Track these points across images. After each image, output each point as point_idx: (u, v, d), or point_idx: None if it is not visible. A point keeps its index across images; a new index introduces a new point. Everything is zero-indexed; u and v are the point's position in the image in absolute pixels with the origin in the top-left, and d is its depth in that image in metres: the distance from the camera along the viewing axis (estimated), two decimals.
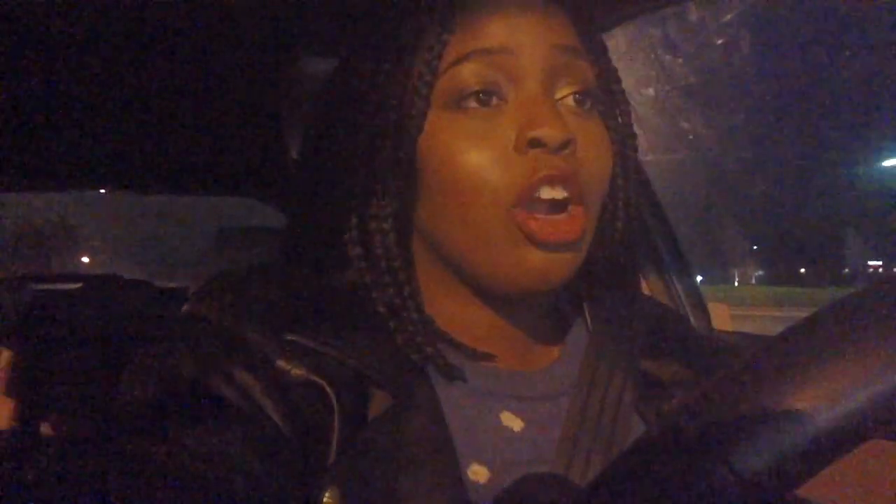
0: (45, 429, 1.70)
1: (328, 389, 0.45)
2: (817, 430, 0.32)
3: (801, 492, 0.34)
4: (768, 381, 0.32)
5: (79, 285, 2.28)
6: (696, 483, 0.31)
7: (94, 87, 1.50)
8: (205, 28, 1.27)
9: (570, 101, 0.51)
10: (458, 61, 0.49)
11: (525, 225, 0.47)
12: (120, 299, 2.07)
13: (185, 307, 0.50)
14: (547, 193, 0.47)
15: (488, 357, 0.53)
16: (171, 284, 2.56)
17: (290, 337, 0.46)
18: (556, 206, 0.48)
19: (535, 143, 0.47)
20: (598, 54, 0.54)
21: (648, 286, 1.34)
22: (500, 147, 0.48)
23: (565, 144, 0.47)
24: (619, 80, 0.56)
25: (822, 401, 0.31)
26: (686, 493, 0.31)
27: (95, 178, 2.14)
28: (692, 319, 1.35)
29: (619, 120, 0.55)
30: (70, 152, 1.83)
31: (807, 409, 0.31)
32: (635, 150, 0.56)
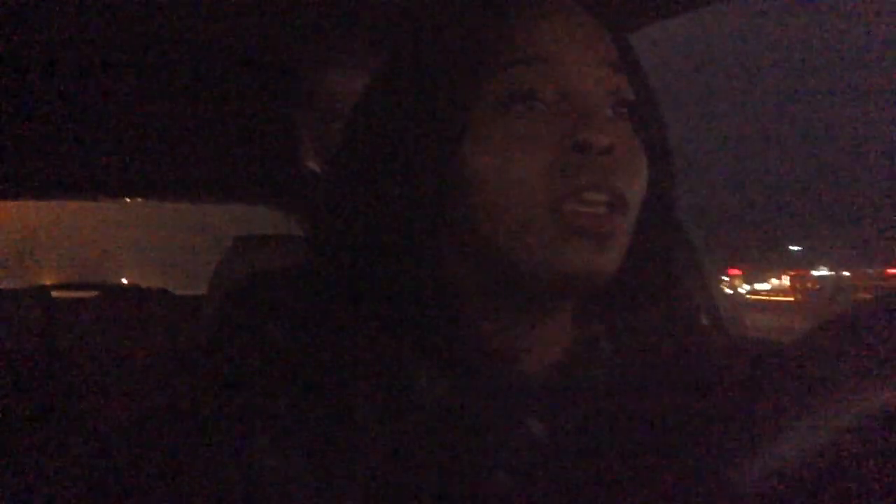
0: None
1: (357, 393, 0.46)
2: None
3: None
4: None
5: (96, 293, 2.30)
6: None
7: (111, 96, 1.52)
8: (224, 38, 1.28)
9: (608, 111, 0.52)
10: (506, 66, 0.50)
11: (570, 218, 0.48)
12: (138, 307, 2.08)
13: (216, 309, 0.50)
14: (591, 196, 0.48)
15: (515, 361, 0.53)
16: (189, 292, 2.57)
17: (315, 339, 0.47)
18: (600, 205, 0.49)
19: (580, 147, 0.48)
20: (634, 69, 0.55)
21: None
22: (545, 148, 0.49)
23: (609, 149, 0.49)
24: (654, 95, 0.56)
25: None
26: None
27: (114, 187, 2.17)
28: (710, 323, 1.34)
29: (655, 134, 0.56)
30: (88, 162, 1.85)
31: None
32: (670, 164, 0.56)
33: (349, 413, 0.46)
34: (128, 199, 2.38)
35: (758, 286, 43.10)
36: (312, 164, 1.58)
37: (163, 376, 0.47)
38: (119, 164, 1.91)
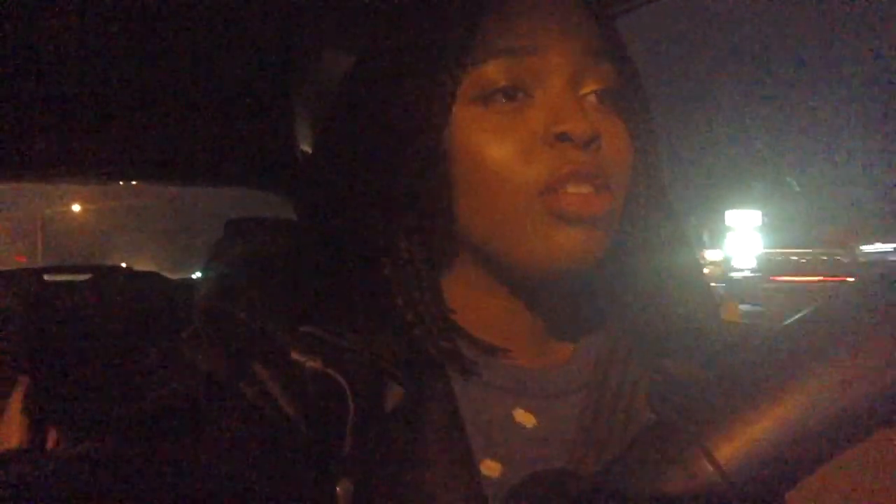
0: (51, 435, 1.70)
1: (343, 382, 0.45)
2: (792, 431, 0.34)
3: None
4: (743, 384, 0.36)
5: (88, 276, 2.28)
6: (681, 471, 0.33)
7: (106, 78, 1.51)
8: (219, 18, 1.27)
9: (592, 98, 0.52)
10: (486, 58, 0.49)
11: (555, 204, 0.48)
12: (130, 291, 2.07)
13: (201, 298, 0.50)
14: (573, 188, 0.48)
15: (505, 353, 0.53)
16: (182, 276, 2.56)
17: (306, 329, 0.47)
18: (585, 193, 0.49)
19: (563, 138, 0.48)
20: (620, 55, 0.54)
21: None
22: (528, 140, 0.49)
23: (592, 140, 0.48)
24: (639, 80, 0.56)
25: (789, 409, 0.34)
26: (673, 481, 0.33)
27: (107, 169, 2.14)
28: (701, 311, 1.34)
29: (640, 118, 0.55)
30: (83, 143, 1.83)
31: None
32: (656, 147, 0.56)
33: (340, 402, 0.45)
34: (121, 182, 2.36)
35: None
36: (306, 147, 1.58)
37: (155, 364, 0.46)
38: (112, 146, 1.89)
